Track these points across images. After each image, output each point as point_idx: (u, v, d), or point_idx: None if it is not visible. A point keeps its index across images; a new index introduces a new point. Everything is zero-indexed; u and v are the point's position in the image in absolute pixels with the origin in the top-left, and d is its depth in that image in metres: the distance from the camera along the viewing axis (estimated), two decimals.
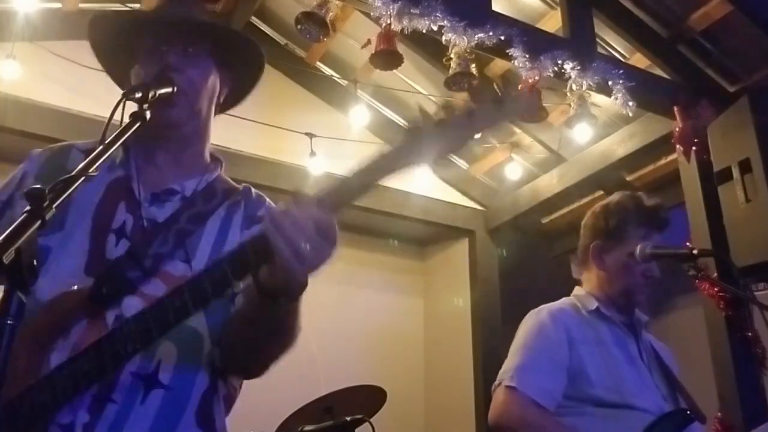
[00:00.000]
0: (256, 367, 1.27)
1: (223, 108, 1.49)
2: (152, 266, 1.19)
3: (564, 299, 2.13)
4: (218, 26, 1.41)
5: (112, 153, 1.24)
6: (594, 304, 2.04)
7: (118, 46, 1.37)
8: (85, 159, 1.27)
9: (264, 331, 1.17)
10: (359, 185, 1.04)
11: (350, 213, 4.76)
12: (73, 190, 0.97)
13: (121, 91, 1.16)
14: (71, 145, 1.36)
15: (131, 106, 1.17)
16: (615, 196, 2.15)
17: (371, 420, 2.90)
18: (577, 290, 2.16)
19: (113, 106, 1.13)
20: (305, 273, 1.02)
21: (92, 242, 1.20)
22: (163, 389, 1.14)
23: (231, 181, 1.43)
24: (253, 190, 1.44)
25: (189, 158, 1.36)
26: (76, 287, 1.15)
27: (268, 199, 1.44)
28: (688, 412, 1.89)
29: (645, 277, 2.02)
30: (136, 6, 3.95)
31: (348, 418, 2.87)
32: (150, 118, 1.18)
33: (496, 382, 1.92)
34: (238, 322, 1.20)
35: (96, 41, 1.39)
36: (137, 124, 1.14)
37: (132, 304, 1.14)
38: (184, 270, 1.22)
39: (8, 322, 0.82)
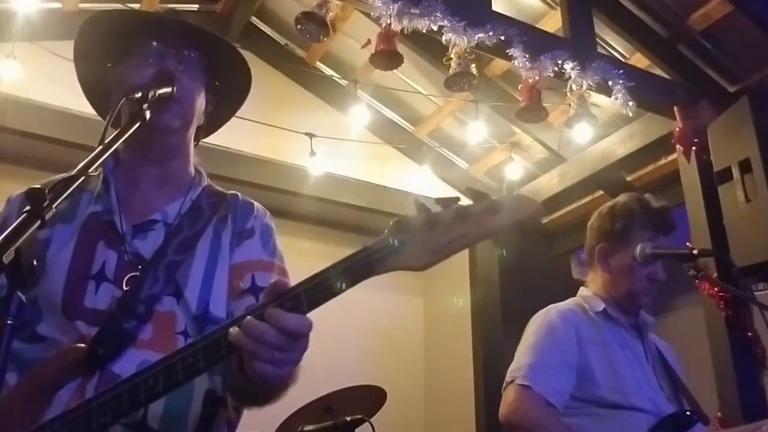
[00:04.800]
0: (256, 407, 1.25)
1: (207, 131, 1.46)
2: (146, 311, 1.15)
3: (571, 300, 2.14)
4: (210, 33, 1.37)
5: (90, 185, 1.24)
6: (601, 306, 2.05)
7: (102, 49, 1.34)
8: (67, 196, 1.26)
9: (258, 394, 1.15)
10: (338, 282, 0.94)
11: (350, 213, 4.77)
12: (71, 192, 0.96)
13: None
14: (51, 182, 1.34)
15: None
16: (621, 198, 2.14)
17: (371, 420, 2.90)
18: (583, 291, 2.16)
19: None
20: (279, 373, 0.97)
21: (67, 290, 1.16)
22: None
23: (218, 189, 1.39)
24: (240, 197, 1.39)
25: (173, 174, 1.33)
26: (73, 345, 1.12)
27: (256, 206, 1.39)
28: (692, 413, 1.90)
29: (649, 280, 2.03)
30: (136, 6, 3.94)
31: (348, 418, 2.88)
32: (147, 128, 1.16)
33: (508, 379, 1.92)
34: (233, 380, 1.16)
35: (83, 43, 1.35)
36: (137, 124, 1.14)
37: (130, 357, 1.12)
38: (171, 305, 1.19)
39: (8, 321, 0.82)
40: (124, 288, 1.17)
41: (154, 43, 1.29)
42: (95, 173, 1.01)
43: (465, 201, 0.93)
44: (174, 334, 1.18)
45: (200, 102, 1.34)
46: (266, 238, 1.35)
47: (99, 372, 1.11)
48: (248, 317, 0.94)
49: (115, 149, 1.22)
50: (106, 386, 1.06)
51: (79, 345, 1.11)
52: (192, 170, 1.38)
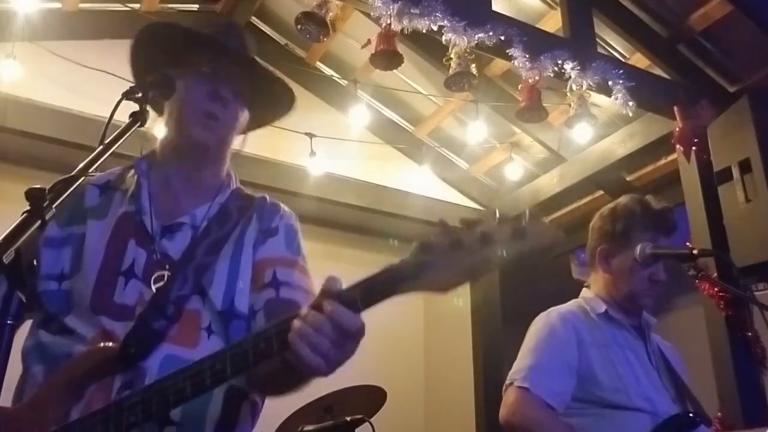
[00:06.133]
0: (278, 396, 1.29)
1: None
2: (175, 312, 1.19)
3: (572, 302, 2.14)
4: (267, 70, 1.42)
5: (124, 185, 1.32)
6: (602, 307, 2.05)
7: (160, 56, 1.36)
8: (101, 194, 1.32)
9: (290, 384, 1.21)
10: (358, 302, 0.96)
11: (350, 213, 4.77)
12: (73, 190, 0.97)
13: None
14: (85, 182, 1.36)
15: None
16: (622, 199, 2.14)
17: (371, 420, 2.90)
18: (585, 292, 2.17)
19: (113, 106, 1.13)
20: (329, 371, 0.99)
21: (97, 285, 1.21)
22: (175, 426, 1.14)
23: (246, 192, 1.43)
24: (268, 199, 1.43)
25: (204, 180, 1.37)
26: (104, 344, 1.15)
27: (282, 208, 1.43)
28: (695, 415, 1.90)
29: (651, 281, 2.02)
30: (136, 6, 3.94)
31: (348, 418, 2.88)
32: (185, 139, 1.24)
33: (508, 382, 1.93)
34: (263, 372, 1.18)
35: (141, 48, 1.38)
36: (137, 124, 1.15)
37: (160, 354, 1.16)
38: (197, 303, 1.22)
39: (8, 322, 0.82)
40: (153, 286, 1.21)
41: (206, 64, 1.33)
42: (95, 173, 1.02)
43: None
44: (199, 329, 1.22)
45: (242, 122, 1.41)
46: (291, 237, 1.39)
47: (127, 368, 1.14)
48: (306, 309, 0.96)
49: (152, 152, 1.36)
50: (131, 380, 1.12)
51: (111, 345, 1.15)
52: (223, 174, 1.42)
